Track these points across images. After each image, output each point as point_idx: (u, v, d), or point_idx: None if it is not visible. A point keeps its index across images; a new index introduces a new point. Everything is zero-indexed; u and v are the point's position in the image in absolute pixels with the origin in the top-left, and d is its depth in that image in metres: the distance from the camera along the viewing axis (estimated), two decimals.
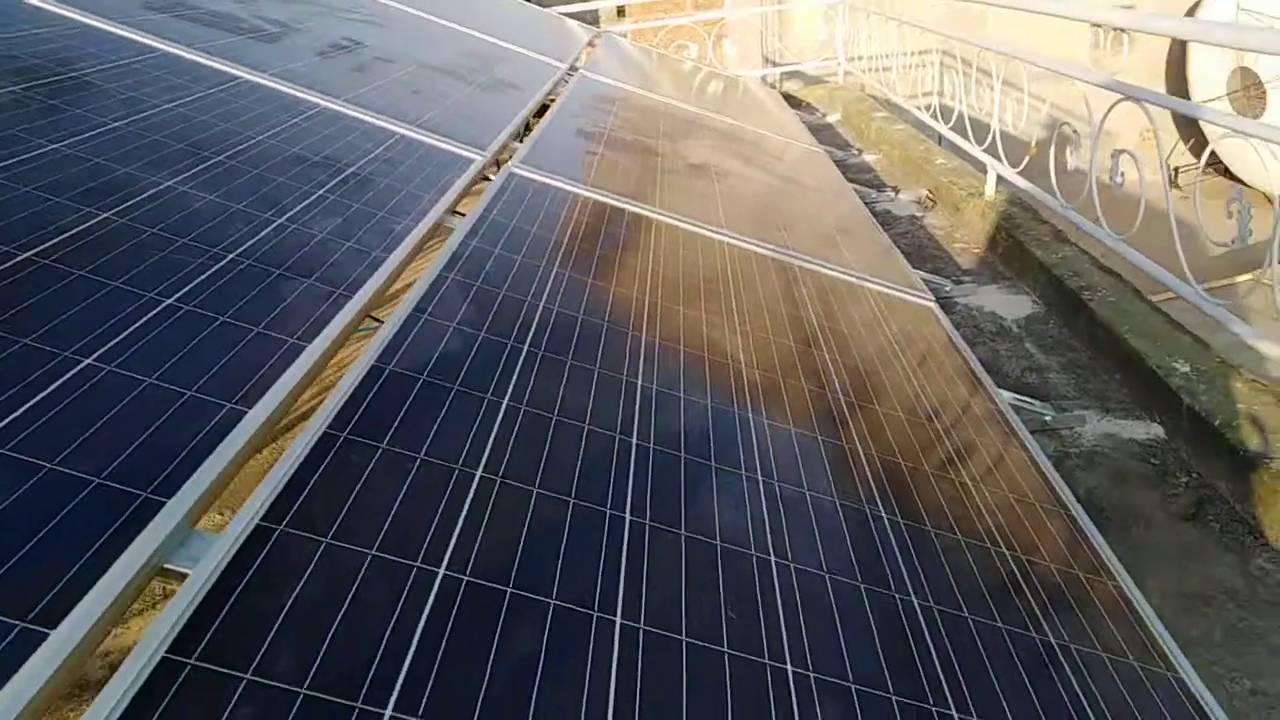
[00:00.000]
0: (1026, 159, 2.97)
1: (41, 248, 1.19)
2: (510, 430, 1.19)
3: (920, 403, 1.74)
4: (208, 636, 0.76)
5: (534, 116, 3.22)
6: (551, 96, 3.51)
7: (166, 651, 0.74)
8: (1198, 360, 2.00)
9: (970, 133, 3.50)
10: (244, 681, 0.73)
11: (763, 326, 1.85)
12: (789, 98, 6.57)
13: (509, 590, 0.92)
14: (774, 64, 7.09)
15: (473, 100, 2.85)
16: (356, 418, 1.10)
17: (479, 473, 1.08)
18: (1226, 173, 8.17)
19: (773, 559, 1.12)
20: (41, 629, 0.71)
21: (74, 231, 1.26)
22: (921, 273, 2.88)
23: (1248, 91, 9.83)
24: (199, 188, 1.55)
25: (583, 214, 2.13)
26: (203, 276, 1.29)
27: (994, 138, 3.20)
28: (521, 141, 2.66)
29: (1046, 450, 1.97)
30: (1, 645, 0.69)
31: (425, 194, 1.92)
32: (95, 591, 0.76)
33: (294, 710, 0.72)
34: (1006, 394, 2.06)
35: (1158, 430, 1.98)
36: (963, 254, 3.15)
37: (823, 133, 5.48)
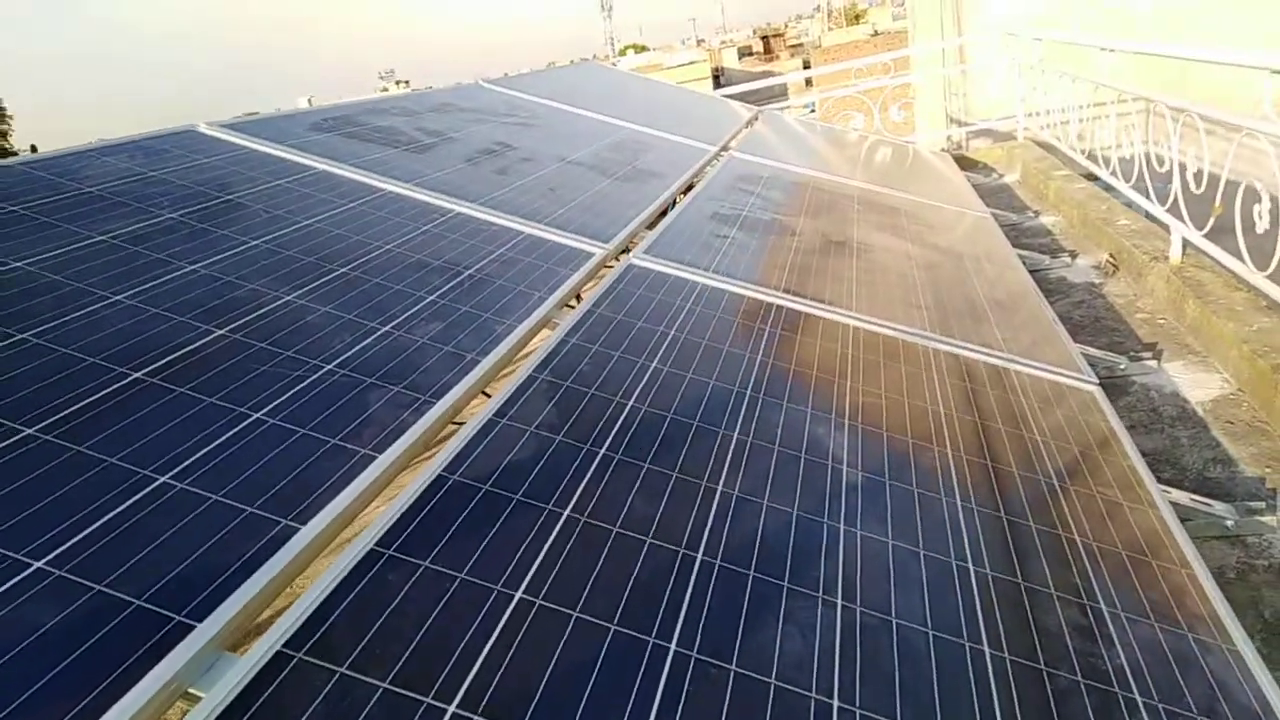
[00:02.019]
0: (1212, 220, 2.63)
1: (151, 367, 1.30)
2: (564, 547, 1.15)
3: (1058, 508, 1.54)
4: None
5: (675, 202, 3.26)
6: (696, 180, 3.53)
7: None
8: None
9: (1151, 190, 3.17)
10: None
11: (877, 419, 1.71)
12: (964, 159, 6.29)
13: None
14: (958, 123, 6.83)
15: (609, 193, 2.91)
16: (406, 534, 1.10)
17: (518, 594, 1.05)
18: None
19: (835, 704, 1.00)
20: None
21: (188, 349, 1.38)
22: (1092, 349, 2.60)
23: None
24: (316, 300, 1.65)
25: (697, 303, 2.09)
26: (297, 388, 1.36)
27: (1176, 196, 2.87)
28: (654, 228, 2.67)
29: (1228, 561, 1.69)
30: None
31: (537, 291, 1.96)
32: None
33: None
34: (1178, 494, 1.78)
35: None
36: (1144, 325, 2.81)
37: (998, 194, 5.18)
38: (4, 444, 1.07)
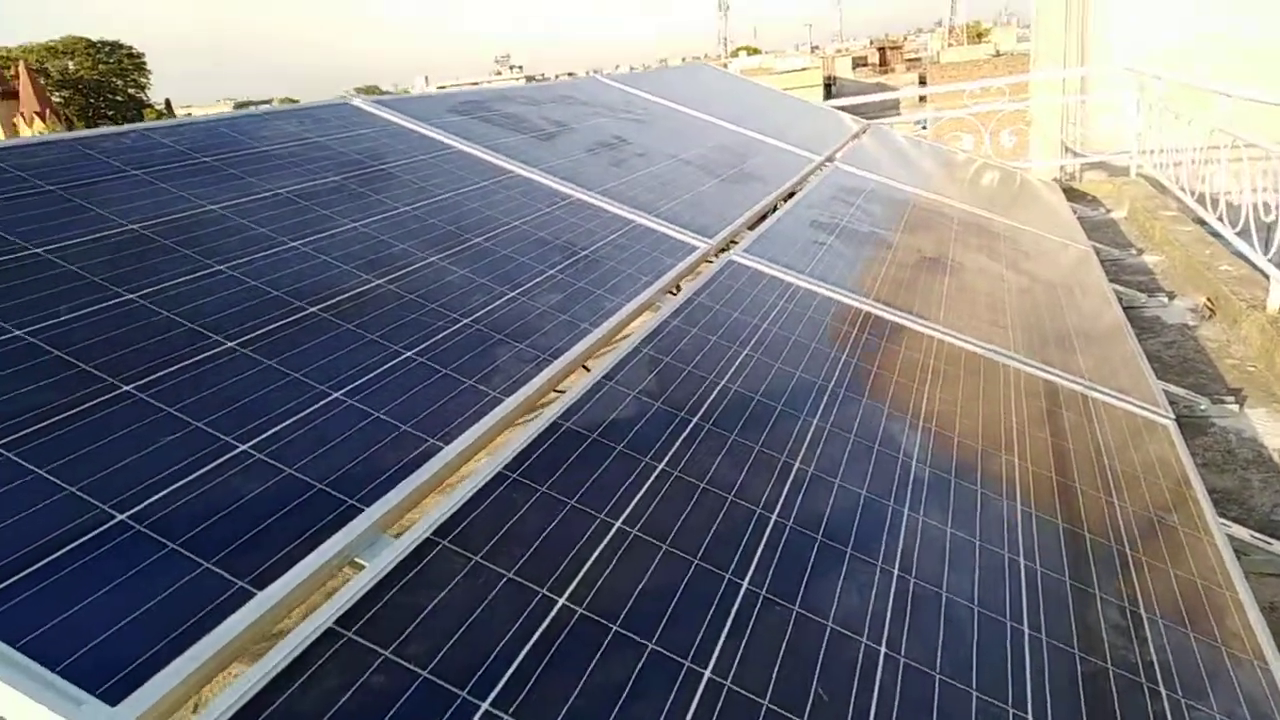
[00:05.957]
0: None
1: (325, 304, 1.53)
2: (658, 492, 1.32)
3: (1114, 524, 1.64)
4: (365, 618, 0.97)
5: (776, 206, 3.40)
6: (798, 187, 3.66)
7: (333, 623, 0.95)
8: None
9: (1255, 238, 3.16)
10: (381, 658, 0.92)
11: (950, 425, 1.84)
12: (1073, 191, 6.23)
13: (614, 628, 1.05)
14: (1073, 153, 6.77)
15: (714, 192, 3.07)
16: (527, 464, 1.30)
17: (618, 523, 1.23)
18: None
19: (882, 650, 1.15)
20: (251, 589, 0.95)
21: (351, 294, 1.60)
22: (1175, 388, 2.64)
23: None
24: (455, 263, 1.87)
25: (790, 302, 2.24)
26: (439, 335, 1.57)
27: (1279, 245, 2.88)
28: (755, 229, 2.83)
29: None
30: (223, 597, 0.93)
31: (644, 276, 2.14)
32: (294, 570, 1.00)
33: (412, 688, 0.90)
34: (1238, 529, 1.85)
35: None
36: (1233, 371, 2.83)
37: (1103, 229, 5.14)
38: (212, 353, 1.31)
